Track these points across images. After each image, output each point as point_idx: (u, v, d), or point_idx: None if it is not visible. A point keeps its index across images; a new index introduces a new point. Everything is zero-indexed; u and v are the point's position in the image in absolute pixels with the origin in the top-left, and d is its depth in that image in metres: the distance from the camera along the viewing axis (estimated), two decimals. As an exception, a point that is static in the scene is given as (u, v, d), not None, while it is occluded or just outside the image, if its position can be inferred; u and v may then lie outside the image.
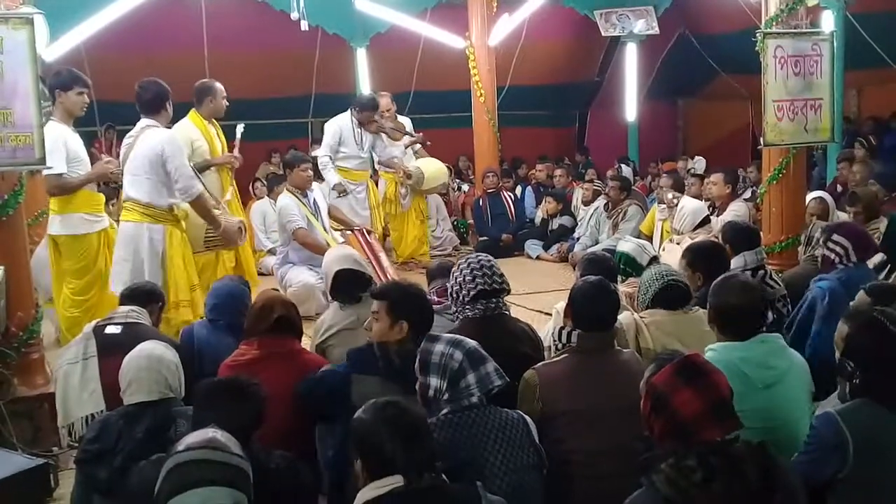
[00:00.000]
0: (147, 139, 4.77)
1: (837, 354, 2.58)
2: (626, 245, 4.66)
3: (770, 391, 2.72)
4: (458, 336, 2.67)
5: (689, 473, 1.94)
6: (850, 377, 2.48)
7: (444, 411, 2.52)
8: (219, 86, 5.74)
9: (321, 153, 7.47)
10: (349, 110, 7.50)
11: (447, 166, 8.41)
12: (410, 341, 2.93)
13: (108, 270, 4.90)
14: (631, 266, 4.54)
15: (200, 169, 5.61)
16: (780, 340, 2.93)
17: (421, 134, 8.17)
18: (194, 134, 5.56)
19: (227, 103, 5.78)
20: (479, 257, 3.44)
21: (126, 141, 4.92)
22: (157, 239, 4.74)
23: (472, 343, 2.62)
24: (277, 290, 3.69)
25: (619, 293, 3.52)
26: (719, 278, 3.02)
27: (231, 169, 5.86)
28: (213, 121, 5.83)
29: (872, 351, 2.45)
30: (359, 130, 7.44)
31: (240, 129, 5.98)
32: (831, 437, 2.36)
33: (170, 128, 5.00)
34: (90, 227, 4.96)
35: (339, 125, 7.45)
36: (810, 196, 5.79)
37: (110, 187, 5.92)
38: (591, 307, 2.94)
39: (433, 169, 7.97)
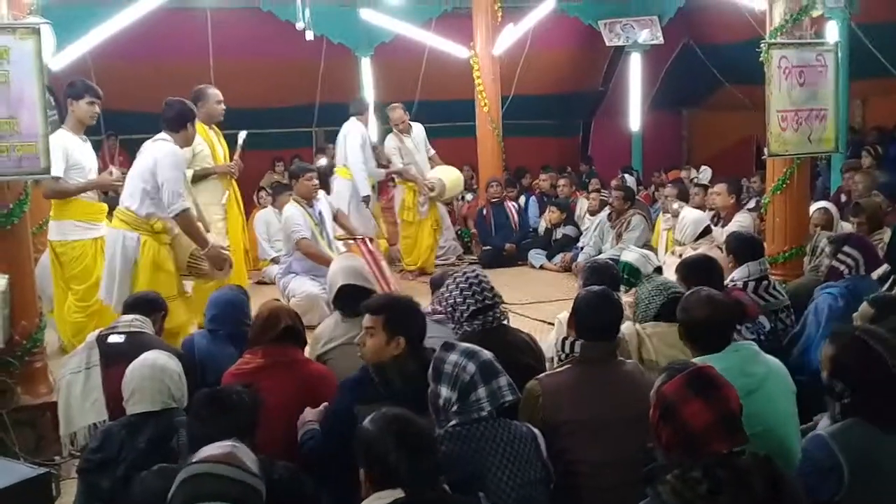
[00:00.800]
0: (150, 149, 4.84)
1: (824, 375, 2.56)
2: (630, 255, 4.65)
3: (751, 398, 2.68)
4: (474, 347, 2.62)
5: (695, 485, 1.94)
6: (840, 397, 2.46)
7: (453, 423, 2.50)
8: (212, 91, 5.79)
9: (358, 161, 7.43)
10: (354, 120, 7.53)
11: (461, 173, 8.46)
12: (407, 357, 2.88)
13: None
14: (635, 276, 4.52)
15: (201, 176, 5.65)
16: (755, 347, 2.94)
17: (400, 167, 8.09)
18: (196, 139, 5.59)
19: (224, 108, 5.82)
20: (467, 274, 3.39)
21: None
22: (131, 246, 4.73)
23: (487, 355, 2.58)
24: (279, 299, 3.67)
25: (622, 303, 3.52)
26: (685, 296, 3.02)
27: (231, 176, 5.88)
28: (214, 127, 5.88)
29: (857, 371, 2.42)
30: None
31: (242, 136, 6.02)
32: (824, 459, 2.33)
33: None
34: (83, 234, 5.01)
35: (360, 131, 7.53)
36: (814, 206, 5.78)
37: (109, 196, 5.98)
38: (595, 316, 2.93)
39: (453, 178, 8.01)
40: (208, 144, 5.75)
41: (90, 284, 4.98)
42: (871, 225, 5.18)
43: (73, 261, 5.00)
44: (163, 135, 4.91)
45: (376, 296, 3.41)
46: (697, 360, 2.77)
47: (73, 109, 4.95)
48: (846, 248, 3.94)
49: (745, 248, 4.28)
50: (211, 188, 5.75)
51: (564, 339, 3.13)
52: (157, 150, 4.79)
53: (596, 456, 2.69)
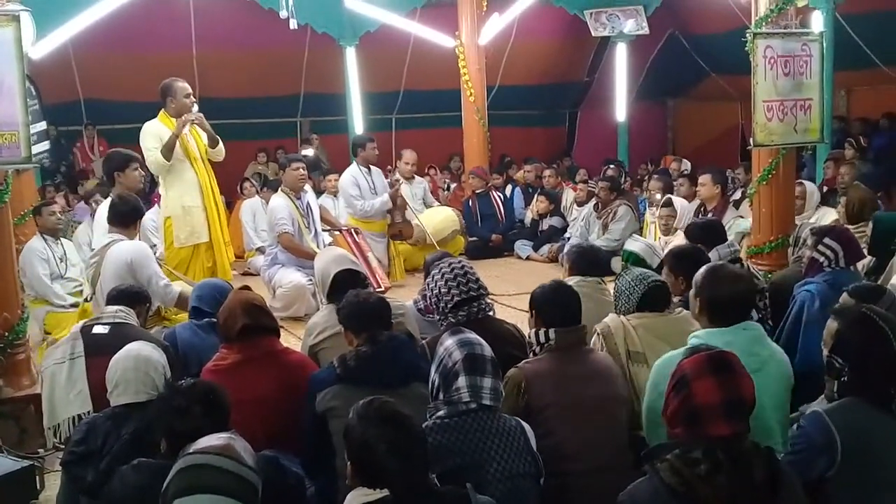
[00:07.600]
0: (113, 253, 4.57)
1: (825, 352, 2.57)
2: (635, 245, 4.57)
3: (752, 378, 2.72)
4: (474, 339, 2.60)
5: (694, 465, 1.97)
6: (838, 375, 2.48)
7: (440, 414, 2.49)
8: (180, 84, 5.53)
9: (354, 209, 7.26)
10: (353, 162, 7.48)
11: (454, 211, 8.31)
12: (366, 343, 2.92)
13: None
14: (639, 266, 4.49)
15: (170, 149, 5.36)
16: (761, 329, 2.95)
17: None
18: (163, 131, 5.41)
19: (193, 101, 5.55)
20: (452, 264, 3.37)
21: (91, 260, 4.71)
22: None
23: (481, 352, 2.55)
24: (249, 287, 3.58)
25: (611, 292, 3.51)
26: (707, 270, 3.01)
27: (194, 122, 5.52)
28: None
29: (861, 347, 2.44)
30: (369, 178, 7.36)
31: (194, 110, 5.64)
32: (820, 436, 2.35)
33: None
34: None
35: (353, 179, 7.30)
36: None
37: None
38: (558, 304, 2.99)
39: (436, 221, 7.83)
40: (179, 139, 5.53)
41: None
42: (852, 214, 5.15)
43: None
44: (115, 235, 4.63)
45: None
46: (704, 333, 2.84)
47: None
48: (826, 240, 3.93)
49: (707, 233, 4.37)
50: (187, 181, 5.54)
51: (537, 330, 3.14)
52: (124, 250, 4.53)
53: (578, 438, 2.73)
